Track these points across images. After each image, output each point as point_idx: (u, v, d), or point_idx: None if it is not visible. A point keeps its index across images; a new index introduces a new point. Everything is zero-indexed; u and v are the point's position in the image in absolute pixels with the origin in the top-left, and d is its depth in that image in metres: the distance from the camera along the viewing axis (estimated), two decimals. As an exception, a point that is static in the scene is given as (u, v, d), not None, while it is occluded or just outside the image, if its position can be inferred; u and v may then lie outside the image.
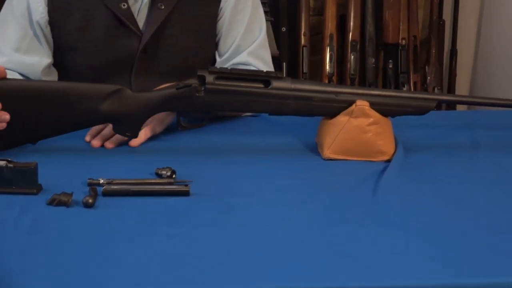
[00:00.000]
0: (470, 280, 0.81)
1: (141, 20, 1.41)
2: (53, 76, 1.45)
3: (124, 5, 1.38)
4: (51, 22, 1.39)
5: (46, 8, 1.38)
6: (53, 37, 1.41)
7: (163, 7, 1.40)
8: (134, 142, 1.25)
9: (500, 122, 1.52)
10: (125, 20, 1.38)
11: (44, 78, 1.41)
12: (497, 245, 0.91)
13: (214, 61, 1.52)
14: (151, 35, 1.40)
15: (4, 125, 1.13)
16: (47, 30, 1.40)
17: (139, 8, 1.41)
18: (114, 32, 1.40)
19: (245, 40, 1.49)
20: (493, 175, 1.20)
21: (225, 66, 1.46)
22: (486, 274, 0.83)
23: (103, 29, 1.40)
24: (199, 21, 1.46)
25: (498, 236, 0.94)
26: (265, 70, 1.45)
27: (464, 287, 0.80)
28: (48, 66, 1.42)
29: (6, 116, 1.13)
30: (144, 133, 1.26)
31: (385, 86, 2.59)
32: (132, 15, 1.39)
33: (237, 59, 1.48)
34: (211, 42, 1.49)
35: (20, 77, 1.38)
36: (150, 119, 1.25)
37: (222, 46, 1.50)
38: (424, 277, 0.81)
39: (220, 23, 1.49)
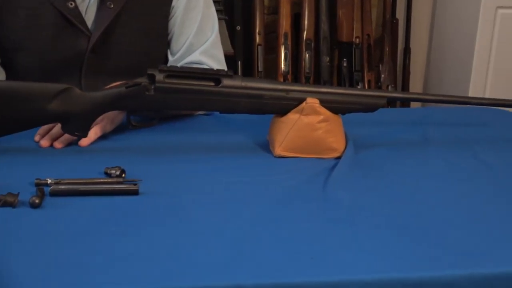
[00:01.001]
0: (415, 274, 0.82)
1: (89, 19, 1.39)
2: (1, 75, 1.42)
3: (71, 4, 1.36)
4: None
5: None
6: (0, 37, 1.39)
7: (112, 6, 1.38)
8: (84, 141, 1.23)
9: (450, 119, 1.54)
10: (72, 19, 1.36)
11: None
12: (443, 239, 0.92)
13: (167, 60, 1.51)
14: (100, 34, 1.38)
15: None
16: None
17: (87, 7, 1.39)
18: (62, 32, 1.38)
19: (197, 39, 1.48)
20: (441, 171, 1.21)
21: (178, 65, 1.46)
22: (431, 268, 0.84)
23: (50, 28, 1.37)
24: (149, 20, 1.44)
25: (444, 231, 0.95)
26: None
27: (408, 281, 0.82)
28: None
29: None
30: (94, 132, 1.25)
31: (339, 84, 2.62)
32: (80, 14, 1.38)
33: (190, 58, 1.48)
34: (162, 41, 1.49)
35: None
36: (100, 118, 1.23)
37: (175, 45, 1.49)
38: (370, 272, 0.82)
39: (172, 22, 1.48)
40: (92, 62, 1.40)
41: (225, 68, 1.49)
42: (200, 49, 1.48)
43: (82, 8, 1.38)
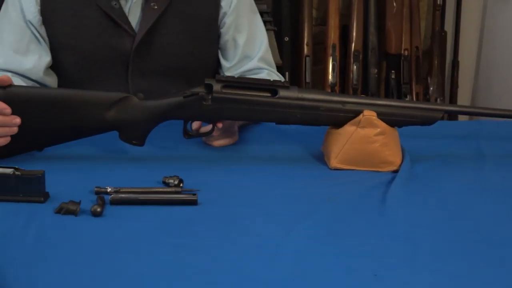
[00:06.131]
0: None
1: (133, 19, 1.40)
2: (53, 79, 1.44)
3: (115, 4, 1.38)
4: (44, 22, 1.39)
5: (38, 7, 1.38)
6: (48, 36, 1.41)
7: (156, 6, 1.39)
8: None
9: (502, 132, 1.51)
10: (117, 19, 1.38)
11: (46, 78, 1.41)
12: (504, 259, 0.90)
13: (218, 64, 1.52)
14: (144, 34, 1.39)
15: (15, 129, 1.14)
16: (42, 29, 1.39)
17: (130, 7, 1.40)
18: (106, 31, 1.39)
19: (251, 45, 1.49)
20: (497, 186, 1.19)
21: (235, 72, 1.46)
22: None
23: (95, 28, 1.39)
24: (194, 21, 1.44)
25: (504, 249, 0.93)
26: (274, 74, 1.46)
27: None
28: (49, 64, 1.42)
29: (17, 120, 1.14)
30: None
31: (387, 97, 2.59)
32: (124, 14, 1.39)
33: (249, 66, 1.48)
34: (209, 43, 1.48)
35: (22, 80, 1.38)
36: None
37: (229, 51, 1.49)
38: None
39: (224, 28, 1.47)
40: (138, 62, 1.41)
41: (277, 72, 1.50)
42: (258, 56, 1.49)
43: (125, 9, 1.39)
